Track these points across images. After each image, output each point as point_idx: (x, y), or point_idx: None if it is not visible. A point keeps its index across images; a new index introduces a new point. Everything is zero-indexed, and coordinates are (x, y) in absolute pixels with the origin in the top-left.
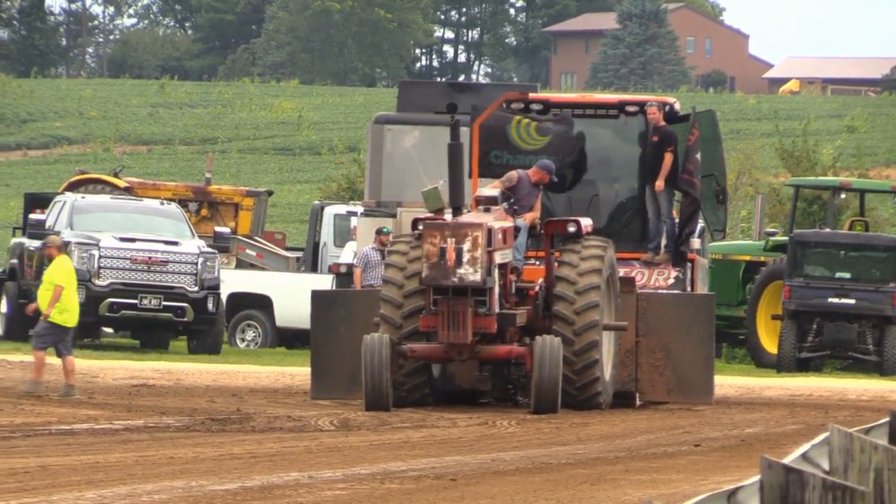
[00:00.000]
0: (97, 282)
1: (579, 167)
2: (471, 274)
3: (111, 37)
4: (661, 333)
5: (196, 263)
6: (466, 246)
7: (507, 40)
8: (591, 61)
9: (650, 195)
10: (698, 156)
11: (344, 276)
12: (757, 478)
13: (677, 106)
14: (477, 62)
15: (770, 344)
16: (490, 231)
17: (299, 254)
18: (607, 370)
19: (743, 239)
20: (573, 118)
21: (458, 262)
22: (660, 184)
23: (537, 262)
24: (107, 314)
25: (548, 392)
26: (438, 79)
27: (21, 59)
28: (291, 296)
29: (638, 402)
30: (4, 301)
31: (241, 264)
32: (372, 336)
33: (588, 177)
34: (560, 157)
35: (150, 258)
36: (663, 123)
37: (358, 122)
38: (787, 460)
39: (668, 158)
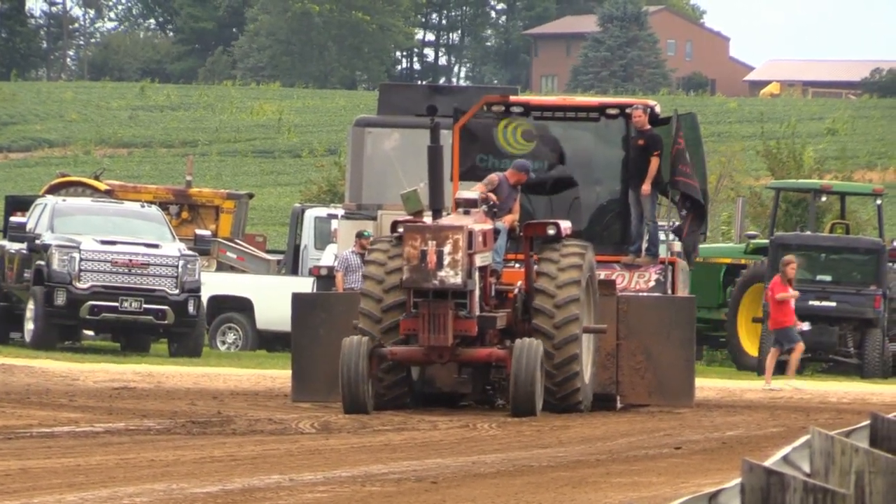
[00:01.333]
0: (78, 284)
1: (566, 171)
2: (451, 276)
3: (92, 40)
4: (642, 336)
5: (177, 266)
6: (447, 248)
7: (487, 43)
8: (571, 64)
9: (633, 198)
10: (686, 157)
11: (324, 278)
12: (738, 480)
13: (658, 109)
14: (457, 65)
15: (751, 346)
16: (470, 234)
17: (280, 256)
18: (587, 374)
19: (723, 242)
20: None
21: (439, 265)
22: (646, 188)
23: (517, 265)
24: (87, 317)
25: (525, 394)
26: (419, 81)
27: (2, 62)
28: (272, 298)
29: (619, 405)
30: None
31: (221, 267)
32: (350, 339)
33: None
34: (547, 162)
35: (130, 261)
36: (648, 127)
37: (338, 125)
38: (767, 463)
39: (655, 162)
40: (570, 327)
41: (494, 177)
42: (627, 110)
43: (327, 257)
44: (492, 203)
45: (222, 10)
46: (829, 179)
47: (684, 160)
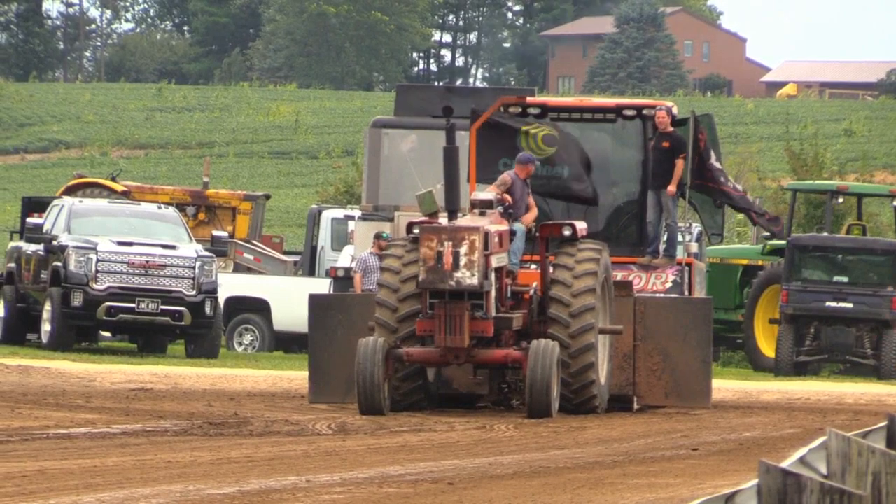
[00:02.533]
0: (95, 286)
1: (588, 188)
2: (468, 277)
3: (109, 41)
4: (659, 337)
5: (194, 267)
6: (463, 249)
7: (504, 44)
8: (588, 65)
9: (653, 199)
10: (713, 161)
11: (342, 279)
12: (755, 482)
13: (675, 110)
14: (474, 66)
15: (768, 348)
16: (487, 234)
17: (297, 258)
18: (602, 375)
19: (738, 243)
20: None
21: (456, 266)
22: (672, 189)
23: (533, 266)
24: (104, 318)
25: (542, 396)
26: (436, 83)
27: (19, 64)
28: (289, 300)
29: (636, 406)
30: (2, 305)
31: (238, 268)
32: (367, 340)
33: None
34: (570, 165)
35: (147, 262)
36: (672, 129)
37: (355, 126)
38: (784, 464)
39: (681, 164)
40: (586, 336)
41: (507, 176)
42: (645, 111)
43: (344, 258)
44: (507, 204)
45: (238, 9)
46: (851, 181)
47: (708, 164)
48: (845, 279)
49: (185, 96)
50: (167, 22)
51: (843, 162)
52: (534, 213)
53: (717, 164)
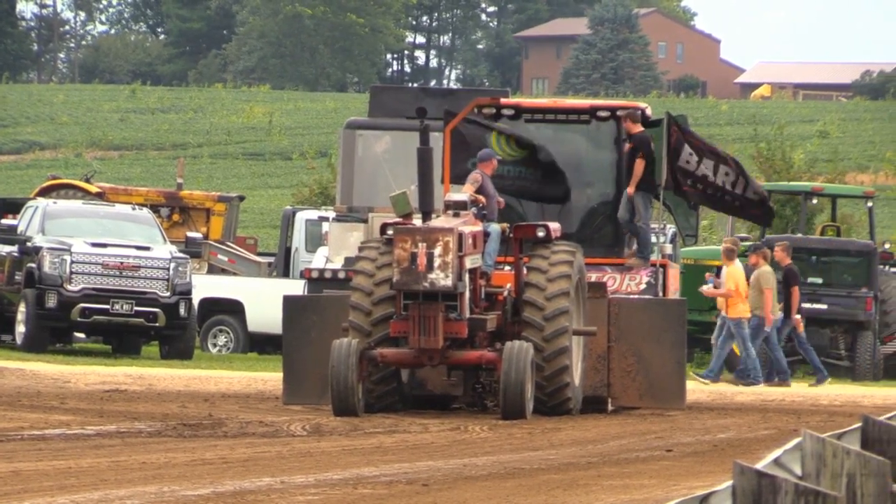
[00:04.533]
0: (69, 287)
1: (563, 185)
2: (442, 279)
3: (83, 42)
4: (633, 339)
5: (168, 269)
6: (437, 251)
7: (478, 45)
8: (562, 66)
9: (625, 200)
10: (686, 154)
11: (316, 281)
12: (729, 483)
13: (649, 111)
14: (448, 67)
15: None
16: (461, 236)
17: (271, 259)
18: (577, 376)
19: (705, 245)
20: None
21: (430, 267)
22: (630, 189)
23: (507, 267)
24: (78, 319)
25: (515, 396)
26: (410, 84)
27: None
28: (263, 301)
29: (610, 408)
30: None
31: (212, 269)
32: (340, 341)
33: (560, 182)
34: (541, 170)
35: (121, 263)
36: (636, 130)
37: (329, 128)
38: (759, 465)
39: (640, 164)
40: (559, 340)
41: (477, 175)
42: (619, 112)
43: (318, 260)
44: (481, 205)
45: (213, 10)
46: (820, 182)
47: (683, 157)
48: (819, 280)
49: (159, 97)
50: (141, 23)
51: (812, 162)
52: (500, 201)
53: (689, 167)
